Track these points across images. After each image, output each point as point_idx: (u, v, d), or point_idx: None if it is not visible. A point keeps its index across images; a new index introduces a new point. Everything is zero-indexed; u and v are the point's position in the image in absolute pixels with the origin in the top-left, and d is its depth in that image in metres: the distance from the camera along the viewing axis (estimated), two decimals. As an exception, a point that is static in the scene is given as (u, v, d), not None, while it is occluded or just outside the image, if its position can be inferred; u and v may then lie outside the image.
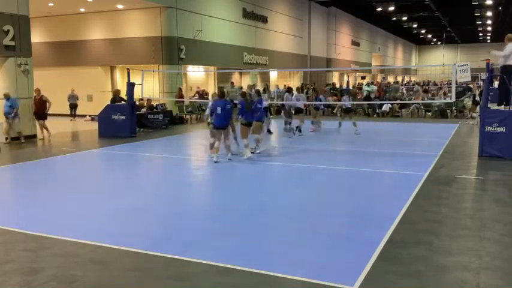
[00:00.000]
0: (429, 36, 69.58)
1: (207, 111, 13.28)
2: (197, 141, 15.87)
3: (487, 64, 11.82)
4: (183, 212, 7.41)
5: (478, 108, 20.43)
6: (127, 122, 16.43)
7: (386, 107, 16.41)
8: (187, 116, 22.48)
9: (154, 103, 20.43)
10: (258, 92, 13.27)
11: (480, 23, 54.09)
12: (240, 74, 30.13)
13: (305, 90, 25.23)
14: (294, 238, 6.07)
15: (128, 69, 17.60)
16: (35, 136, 16.46)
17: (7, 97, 15.08)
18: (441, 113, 23.06)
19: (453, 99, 14.37)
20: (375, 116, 24.30)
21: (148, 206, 7.79)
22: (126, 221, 6.92)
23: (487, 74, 12.02)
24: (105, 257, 5.47)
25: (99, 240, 5.93)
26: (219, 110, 11.14)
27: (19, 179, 10.60)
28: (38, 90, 16.37)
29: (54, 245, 5.84)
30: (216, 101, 11.55)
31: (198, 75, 27.48)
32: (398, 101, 24.37)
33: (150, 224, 6.79)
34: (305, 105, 17.54)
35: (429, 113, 23.82)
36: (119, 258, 5.38)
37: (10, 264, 5.23)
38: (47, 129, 16.29)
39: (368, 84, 29.55)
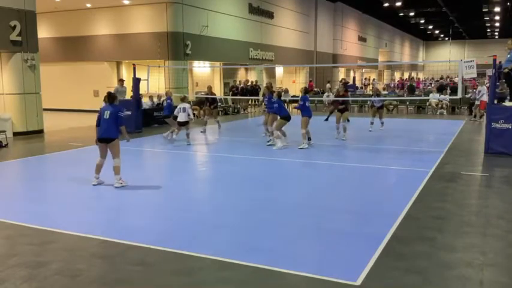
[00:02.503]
0: (436, 32, 69.04)
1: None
2: (201, 136, 15.89)
3: (494, 60, 11.73)
4: (186, 206, 7.44)
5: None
6: (132, 117, 16.48)
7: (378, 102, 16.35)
8: (195, 112, 22.47)
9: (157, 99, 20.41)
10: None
11: (488, 18, 53.57)
12: (246, 69, 30.12)
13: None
14: (298, 234, 6.08)
15: (133, 64, 17.65)
16: (41, 131, 16.56)
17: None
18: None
19: (459, 96, 14.29)
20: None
21: (152, 200, 7.83)
22: (130, 215, 6.97)
23: (494, 70, 11.93)
24: (110, 251, 5.51)
25: (103, 234, 5.97)
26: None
27: (26, 173, 10.70)
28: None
29: (59, 239, 5.89)
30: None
31: (203, 71, 27.51)
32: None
33: (154, 218, 6.83)
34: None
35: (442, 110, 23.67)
36: (123, 253, 5.42)
37: (15, 257, 5.28)
38: None
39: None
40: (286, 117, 12.89)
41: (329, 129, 16.63)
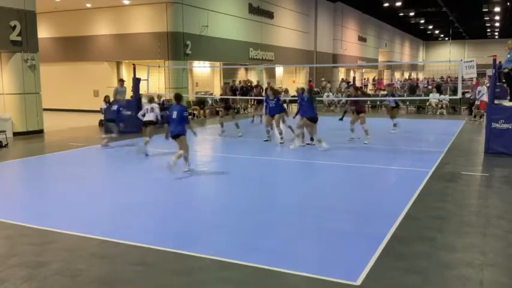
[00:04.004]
0: (436, 32, 69.03)
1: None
2: (202, 136, 15.88)
3: (494, 60, 11.74)
4: (186, 207, 7.44)
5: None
6: (133, 117, 16.46)
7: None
8: (195, 112, 22.45)
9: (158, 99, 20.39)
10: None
11: (488, 18, 53.57)
12: (246, 69, 30.13)
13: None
14: (298, 234, 6.08)
15: (133, 64, 17.64)
16: (41, 131, 16.56)
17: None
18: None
19: (459, 95, 14.29)
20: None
21: (152, 200, 7.82)
22: (130, 215, 6.96)
23: (494, 70, 11.93)
24: (110, 251, 5.51)
25: (104, 234, 5.97)
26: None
27: (26, 173, 10.70)
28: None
29: (59, 239, 5.89)
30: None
31: (203, 71, 27.51)
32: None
33: (154, 218, 6.83)
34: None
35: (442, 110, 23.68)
36: (123, 253, 5.42)
37: (15, 257, 5.28)
38: None
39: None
40: (313, 119, 12.35)
41: (330, 130, 16.63)
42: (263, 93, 19.32)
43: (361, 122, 13.82)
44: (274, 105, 13.70)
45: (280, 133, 13.80)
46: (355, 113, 14.05)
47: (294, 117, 13.70)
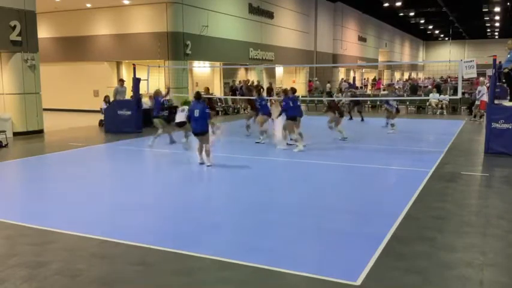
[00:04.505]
0: (436, 32, 69.04)
1: None
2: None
3: (494, 60, 11.74)
4: (186, 207, 7.44)
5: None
6: (133, 117, 16.48)
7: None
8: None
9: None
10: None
11: (488, 18, 53.58)
12: (246, 69, 30.12)
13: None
14: (298, 234, 6.08)
15: (133, 64, 17.64)
16: (41, 131, 16.56)
17: None
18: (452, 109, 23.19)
19: (459, 95, 14.29)
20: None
21: (152, 200, 7.83)
22: (131, 215, 6.95)
23: (494, 70, 11.93)
24: (110, 251, 5.51)
25: (104, 234, 5.97)
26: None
27: (26, 173, 10.70)
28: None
29: (59, 239, 5.89)
30: None
31: (203, 71, 27.51)
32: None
33: (154, 218, 6.83)
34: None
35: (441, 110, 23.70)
36: (123, 253, 5.42)
37: (15, 257, 5.28)
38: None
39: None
40: (292, 118, 12.42)
41: (328, 129, 16.64)
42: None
43: (336, 124, 14.00)
44: (259, 105, 13.82)
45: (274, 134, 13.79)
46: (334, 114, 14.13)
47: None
